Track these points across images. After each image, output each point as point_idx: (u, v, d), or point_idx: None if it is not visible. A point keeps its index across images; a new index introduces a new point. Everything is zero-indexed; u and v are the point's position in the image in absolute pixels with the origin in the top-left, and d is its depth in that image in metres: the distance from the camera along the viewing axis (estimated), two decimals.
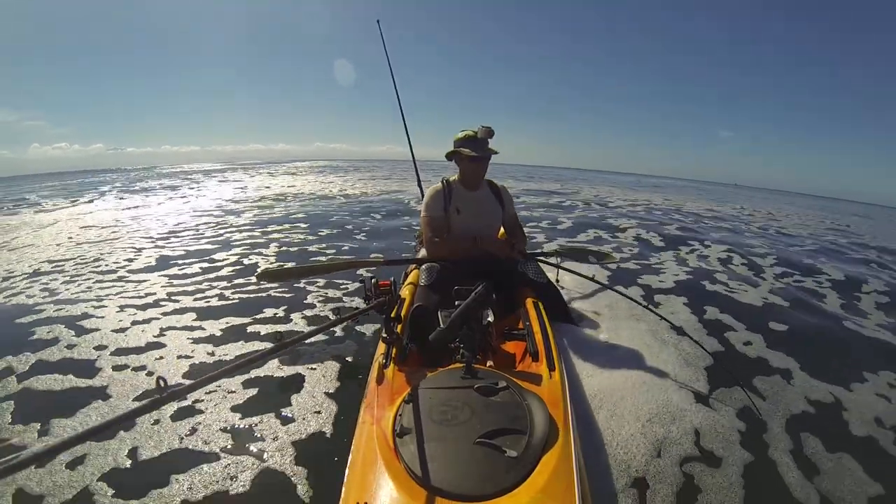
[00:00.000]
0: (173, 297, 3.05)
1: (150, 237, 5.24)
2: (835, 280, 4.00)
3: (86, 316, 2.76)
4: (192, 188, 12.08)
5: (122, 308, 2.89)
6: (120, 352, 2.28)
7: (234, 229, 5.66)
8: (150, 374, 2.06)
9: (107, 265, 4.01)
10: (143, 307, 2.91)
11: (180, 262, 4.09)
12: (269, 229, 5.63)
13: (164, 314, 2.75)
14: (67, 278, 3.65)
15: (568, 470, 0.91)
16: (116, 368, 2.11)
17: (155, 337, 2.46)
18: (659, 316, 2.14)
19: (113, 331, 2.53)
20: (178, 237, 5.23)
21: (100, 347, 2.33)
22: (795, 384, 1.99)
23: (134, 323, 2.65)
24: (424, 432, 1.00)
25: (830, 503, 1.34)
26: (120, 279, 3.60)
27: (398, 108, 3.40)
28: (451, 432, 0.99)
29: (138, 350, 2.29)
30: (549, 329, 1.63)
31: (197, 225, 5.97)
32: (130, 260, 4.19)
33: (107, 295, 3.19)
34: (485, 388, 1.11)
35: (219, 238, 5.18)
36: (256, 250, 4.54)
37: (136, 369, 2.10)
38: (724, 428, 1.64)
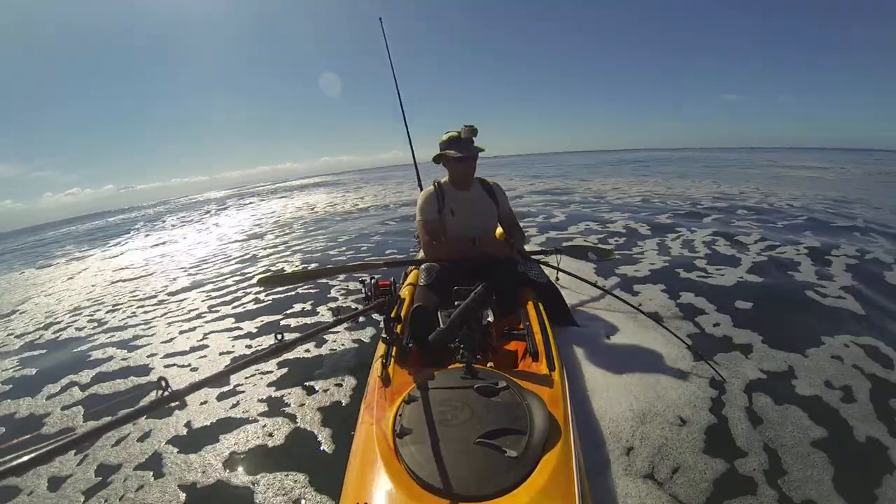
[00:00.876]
0: (213, 309, 3.18)
1: (182, 267, 5.43)
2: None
3: (136, 336, 2.99)
4: (211, 219, 12.27)
5: (169, 324, 3.10)
6: (167, 356, 2.55)
7: (259, 248, 5.88)
8: (194, 369, 2.33)
9: (145, 293, 4.23)
10: (186, 320, 3.10)
11: (214, 280, 4.26)
12: (291, 243, 5.82)
13: (203, 323, 2.88)
14: (110, 308, 3.91)
15: (568, 470, 0.91)
16: (167, 367, 2.41)
17: (196, 341, 2.67)
18: (652, 320, 2.15)
19: (162, 342, 2.76)
20: (207, 263, 5.43)
21: (150, 354, 2.62)
22: (799, 392, 1.97)
23: (180, 332, 2.89)
24: (424, 432, 1.00)
25: (772, 446, 1.48)
26: (161, 302, 3.78)
27: (400, 109, 3.41)
28: (451, 432, 0.99)
29: (183, 352, 2.56)
30: (549, 329, 1.63)
31: (225, 250, 6.18)
32: (166, 287, 4.37)
33: (153, 317, 3.36)
34: (485, 389, 1.11)
35: (245, 256, 5.39)
36: (283, 260, 4.70)
37: (181, 366, 2.39)
38: (721, 426, 1.64)
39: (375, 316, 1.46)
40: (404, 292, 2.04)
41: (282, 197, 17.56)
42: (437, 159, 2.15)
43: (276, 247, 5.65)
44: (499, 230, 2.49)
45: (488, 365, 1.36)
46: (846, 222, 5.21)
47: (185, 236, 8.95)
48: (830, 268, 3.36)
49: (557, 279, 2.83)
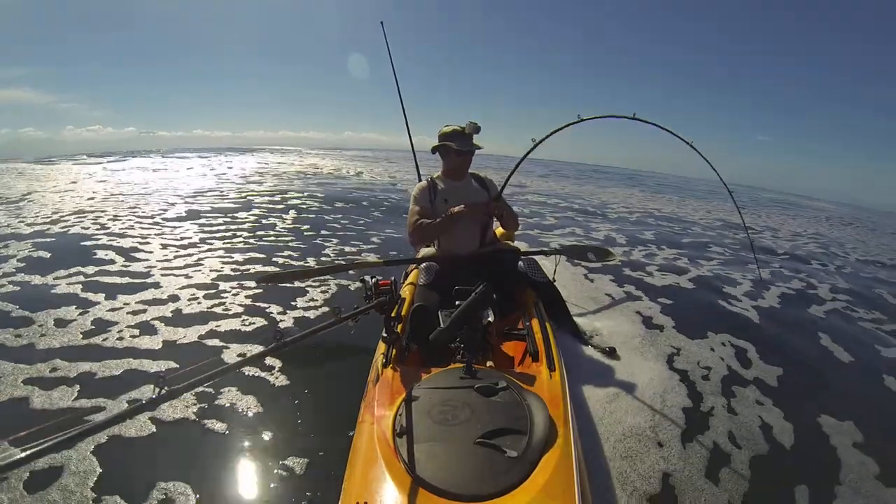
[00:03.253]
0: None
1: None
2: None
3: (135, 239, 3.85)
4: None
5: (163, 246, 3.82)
6: (166, 269, 3.21)
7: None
8: (188, 276, 3.09)
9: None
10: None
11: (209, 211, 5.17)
12: None
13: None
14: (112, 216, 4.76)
15: (568, 470, 0.91)
16: (164, 276, 3.09)
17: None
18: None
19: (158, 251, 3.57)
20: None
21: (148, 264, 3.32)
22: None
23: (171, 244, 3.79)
24: (424, 432, 0.99)
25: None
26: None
27: (410, 106, 3.48)
28: (451, 432, 0.99)
29: (178, 268, 3.22)
30: (549, 329, 1.63)
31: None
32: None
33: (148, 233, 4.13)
34: (485, 388, 1.11)
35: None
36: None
37: (177, 275, 3.10)
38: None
39: (375, 316, 1.45)
40: (405, 292, 2.03)
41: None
42: (435, 149, 2.18)
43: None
44: (499, 230, 2.49)
45: (488, 365, 1.36)
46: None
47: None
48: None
49: (555, 280, 2.83)
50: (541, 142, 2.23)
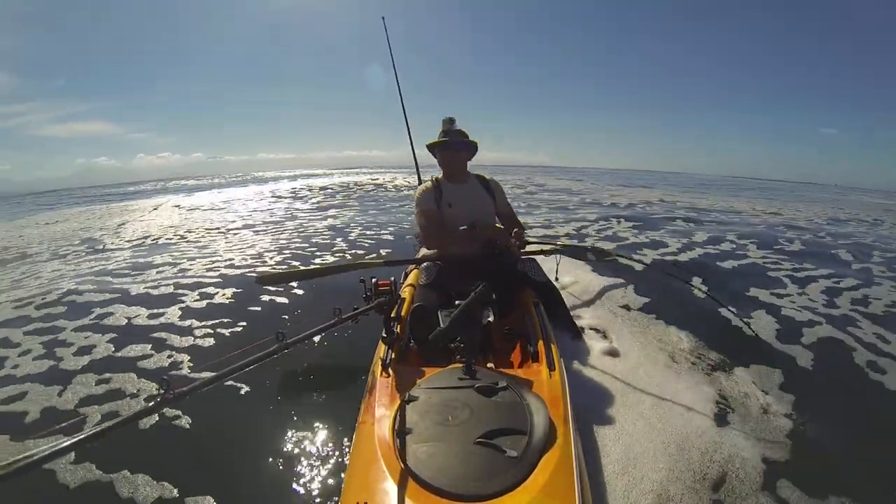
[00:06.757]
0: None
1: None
2: None
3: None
4: None
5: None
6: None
7: None
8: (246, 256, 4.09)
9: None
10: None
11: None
12: None
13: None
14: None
15: (568, 470, 0.91)
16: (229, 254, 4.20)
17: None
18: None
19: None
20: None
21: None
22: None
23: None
24: (424, 432, 1.00)
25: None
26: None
27: (402, 108, 3.47)
28: (451, 432, 0.99)
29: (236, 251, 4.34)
30: (549, 329, 1.63)
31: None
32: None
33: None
34: (484, 388, 1.11)
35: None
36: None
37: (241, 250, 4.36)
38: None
39: (375, 316, 1.45)
40: (404, 292, 2.04)
41: None
42: (432, 149, 2.18)
43: None
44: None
45: (488, 365, 1.37)
46: None
47: None
48: None
49: (557, 279, 2.83)
50: None
